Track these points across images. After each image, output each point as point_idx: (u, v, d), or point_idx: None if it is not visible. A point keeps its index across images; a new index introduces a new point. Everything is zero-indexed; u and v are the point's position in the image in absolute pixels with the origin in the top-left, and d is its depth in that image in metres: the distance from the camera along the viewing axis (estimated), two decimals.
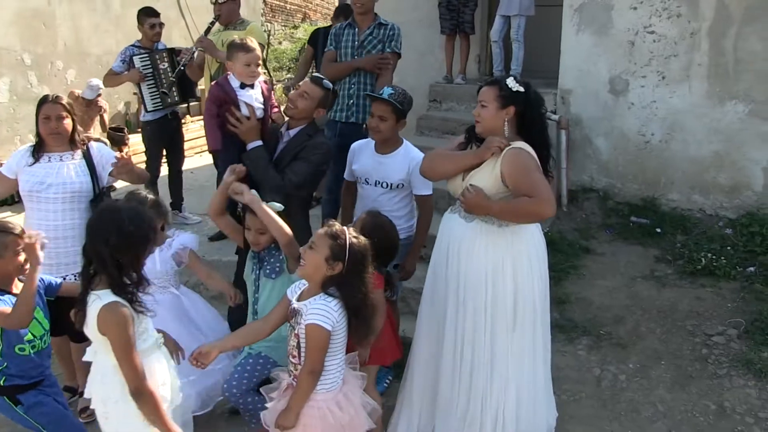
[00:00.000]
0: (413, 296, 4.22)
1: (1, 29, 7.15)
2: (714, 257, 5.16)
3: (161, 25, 5.53)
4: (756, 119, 5.60)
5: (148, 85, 5.39)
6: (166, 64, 5.40)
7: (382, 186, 3.64)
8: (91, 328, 2.30)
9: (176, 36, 9.70)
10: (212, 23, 5.11)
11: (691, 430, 3.51)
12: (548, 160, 3.02)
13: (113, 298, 2.26)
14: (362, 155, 3.74)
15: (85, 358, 2.47)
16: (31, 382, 2.68)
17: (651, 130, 5.97)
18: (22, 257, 2.61)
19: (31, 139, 7.31)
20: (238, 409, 3.20)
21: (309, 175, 3.38)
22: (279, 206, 2.93)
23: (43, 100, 3.35)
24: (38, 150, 3.37)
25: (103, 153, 3.54)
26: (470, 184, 2.92)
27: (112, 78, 5.57)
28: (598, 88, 6.11)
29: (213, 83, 3.85)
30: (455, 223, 3.09)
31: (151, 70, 5.38)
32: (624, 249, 5.56)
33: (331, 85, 3.55)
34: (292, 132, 3.49)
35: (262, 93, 3.66)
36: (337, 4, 6.74)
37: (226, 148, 3.63)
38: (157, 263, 3.24)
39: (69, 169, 3.35)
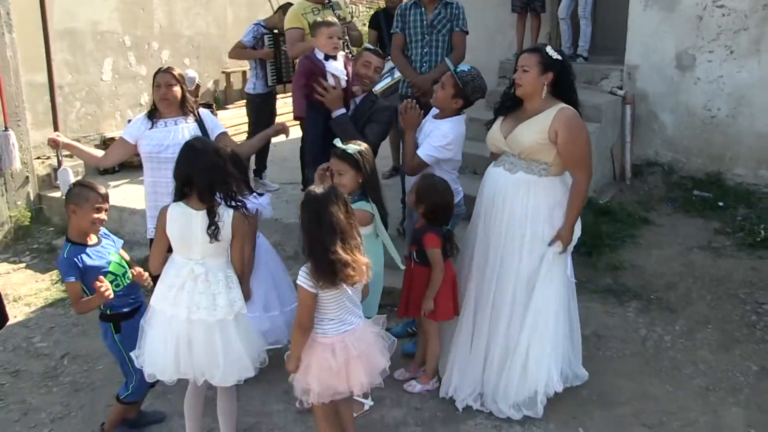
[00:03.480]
0: None
1: (106, 14, 7.80)
2: None
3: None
4: None
5: (270, 63, 5.87)
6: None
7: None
8: (224, 233, 2.82)
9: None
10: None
11: (729, 388, 3.67)
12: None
13: (230, 208, 2.86)
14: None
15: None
16: (131, 310, 3.16)
17: (717, 105, 6.01)
18: (98, 215, 3.05)
19: (130, 114, 8.05)
20: None
21: (384, 134, 3.89)
22: (356, 147, 3.28)
23: (158, 71, 3.80)
24: (153, 116, 3.75)
25: (212, 117, 4.00)
26: (548, 245, 3.32)
27: (241, 51, 6.00)
28: (664, 63, 6.19)
29: (302, 57, 4.24)
30: (500, 175, 3.44)
31: (274, 50, 5.87)
32: (684, 221, 5.68)
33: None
34: (358, 99, 3.98)
35: (345, 66, 4.05)
36: None
37: (312, 116, 4.00)
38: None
39: (184, 131, 3.70)
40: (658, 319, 4.36)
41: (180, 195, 2.85)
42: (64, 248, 3.05)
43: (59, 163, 6.17)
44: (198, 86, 8.62)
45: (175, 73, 3.76)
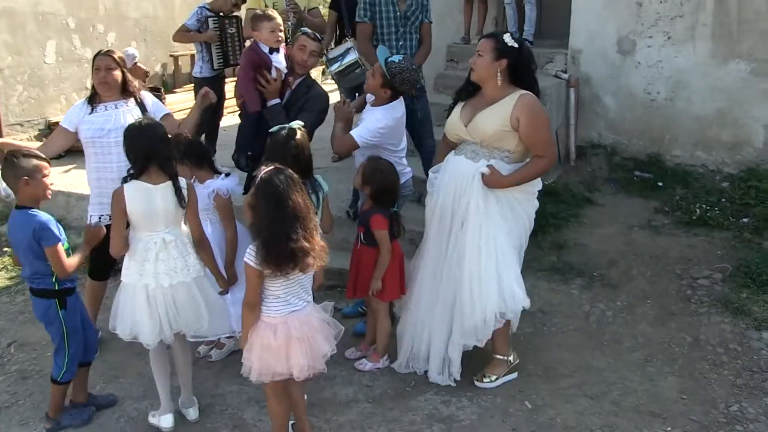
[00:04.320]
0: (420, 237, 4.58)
1: None
2: (709, 209, 5.45)
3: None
4: (758, 78, 5.83)
5: (216, 46, 5.82)
6: (234, 30, 5.82)
7: None
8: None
9: None
10: None
11: (665, 359, 3.86)
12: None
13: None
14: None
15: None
16: (73, 286, 3.19)
17: (657, 88, 6.23)
18: (48, 180, 3.06)
19: (75, 98, 7.87)
20: None
21: (316, 123, 3.98)
22: (300, 123, 3.34)
23: (97, 54, 3.74)
24: (92, 101, 3.70)
25: (154, 100, 3.95)
26: (487, 165, 3.33)
27: (184, 34, 5.90)
28: (606, 48, 6.37)
29: (247, 49, 4.28)
30: (462, 163, 3.46)
31: (219, 33, 5.82)
32: (625, 201, 5.89)
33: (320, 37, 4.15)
34: (294, 84, 4.06)
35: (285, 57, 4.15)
36: None
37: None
38: None
39: (126, 115, 3.64)
40: (601, 295, 4.53)
41: (138, 173, 2.94)
42: (32, 214, 2.99)
43: None
44: (147, 73, 8.48)
45: (115, 56, 3.72)
